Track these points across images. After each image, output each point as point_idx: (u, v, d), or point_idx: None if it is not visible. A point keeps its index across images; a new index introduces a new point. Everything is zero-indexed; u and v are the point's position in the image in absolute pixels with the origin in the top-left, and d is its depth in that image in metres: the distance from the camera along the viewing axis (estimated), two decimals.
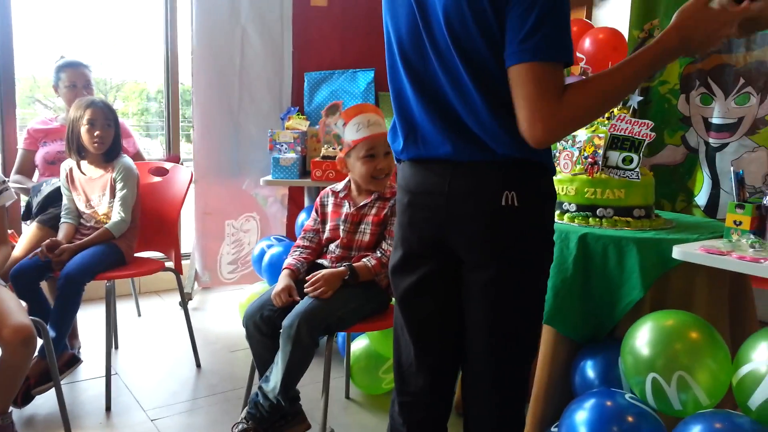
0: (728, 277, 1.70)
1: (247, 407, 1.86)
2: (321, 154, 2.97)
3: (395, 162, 1.29)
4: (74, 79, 2.78)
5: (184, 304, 2.68)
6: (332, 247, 2.00)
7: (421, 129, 1.17)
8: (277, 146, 3.08)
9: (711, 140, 2.80)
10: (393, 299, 1.31)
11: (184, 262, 3.69)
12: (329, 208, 2.04)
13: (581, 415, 1.49)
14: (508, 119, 1.06)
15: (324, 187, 2.16)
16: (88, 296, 2.35)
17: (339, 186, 2.07)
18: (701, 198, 2.82)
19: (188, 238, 3.74)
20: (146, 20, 3.95)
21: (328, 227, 2.02)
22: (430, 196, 1.17)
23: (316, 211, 2.08)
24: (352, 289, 1.83)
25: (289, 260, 1.99)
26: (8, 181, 2.11)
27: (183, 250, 3.86)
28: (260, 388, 1.83)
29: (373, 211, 1.96)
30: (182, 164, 3.17)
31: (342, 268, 1.87)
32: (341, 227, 1.98)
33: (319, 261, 2.02)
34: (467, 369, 1.25)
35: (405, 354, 1.29)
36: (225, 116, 3.47)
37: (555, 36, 1.01)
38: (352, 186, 2.03)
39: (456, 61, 1.09)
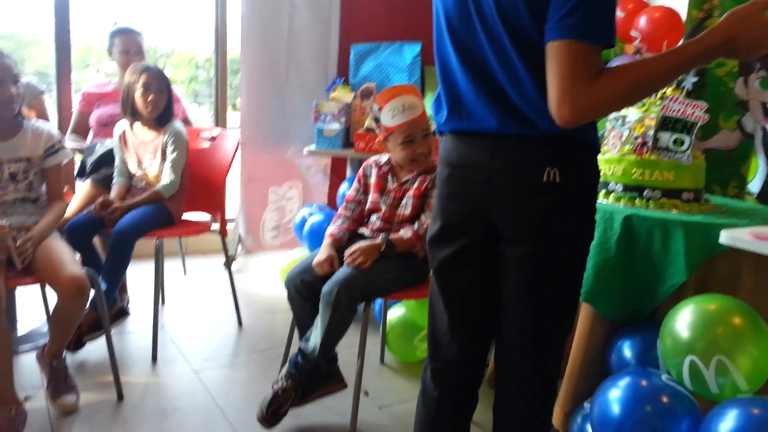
0: None
1: (287, 366, 1.92)
2: (365, 126, 2.99)
3: (437, 134, 1.29)
4: (127, 45, 2.86)
5: (228, 265, 2.76)
6: (374, 218, 2.03)
7: (466, 102, 1.17)
8: (322, 117, 3.11)
9: None
10: (430, 270, 1.31)
11: (228, 226, 3.81)
12: (372, 179, 2.06)
13: (615, 392, 1.50)
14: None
15: (366, 159, 2.17)
16: (138, 253, 2.45)
17: (383, 159, 2.08)
18: (755, 185, 2.74)
19: (234, 204, 3.83)
20: None
21: (370, 198, 2.05)
22: (471, 169, 1.17)
23: (359, 182, 2.10)
24: (390, 260, 1.87)
25: (331, 228, 2.03)
26: (64, 140, 2.20)
27: (228, 215, 3.99)
28: (300, 349, 1.89)
29: (415, 185, 1.97)
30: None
31: (379, 240, 1.90)
32: (383, 201, 2.01)
33: (360, 230, 2.05)
34: (501, 342, 1.27)
35: (439, 323, 1.31)
36: (271, 85, 3.52)
37: (595, 16, 0.99)
38: (395, 162, 2.04)
39: (503, 35, 1.08)
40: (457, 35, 1.16)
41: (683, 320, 1.47)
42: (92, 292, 1.98)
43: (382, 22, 3.49)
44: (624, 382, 1.50)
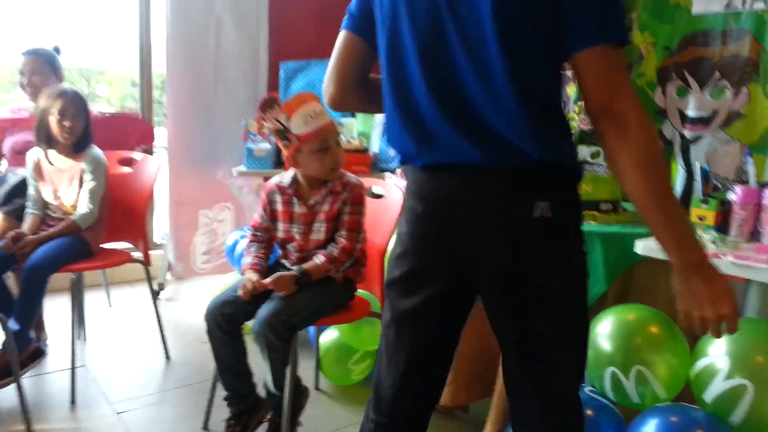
0: None
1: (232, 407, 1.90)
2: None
3: (402, 165, 1.14)
4: (34, 67, 2.71)
5: (152, 295, 2.64)
6: (290, 248, 1.94)
7: (436, 132, 1.03)
8: (251, 137, 3.04)
9: (686, 132, 2.81)
10: (385, 315, 1.16)
11: (157, 252, 3.67)
12: (278, 206, 1.92)
13: None
14: (543, 119, 0.97)
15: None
16: (58, 287, 2.32)
17: (285, 180, 1.93)
18: (675, 190, 2.83)
19: (162, 229, 3.69)
20: (121, 7, 3.86)
21: (281, 228, 1.93)
22: (450, 206, 1.03)
23: (264, 209, 1.96)
24: (310, 288, 1.80)
25: (248, 260, 1.92)
26: None
27: (157, 240, 3.84)
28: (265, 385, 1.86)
29: (325, 207, 1.87)
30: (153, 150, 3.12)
31: (293, 271, 1.83)
32: (294, 229, 1.90)
33: (283, 261, 1.98)
34: (513, 400, 1.12)
35: (386, 374, 1.15)
36: (199, 105, 3.43)
37: (619, 15, 0.95)
38: (301, 180, 1.91)
39: (492, 52, 0.96)
40: (426, 57, 1.02)
41: (603, 331, 1.48)
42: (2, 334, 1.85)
43: (311, 40, 3.47)
44: None
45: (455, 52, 0.99)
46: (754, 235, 1.51)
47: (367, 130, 3.24)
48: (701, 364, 1.33)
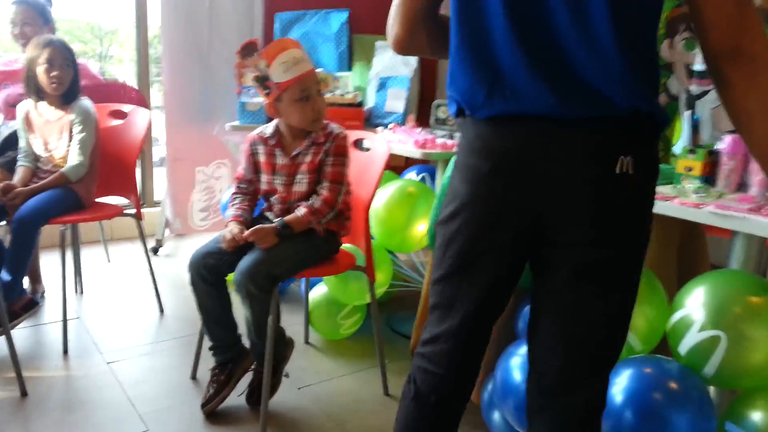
0: (678, 223, 1.66)
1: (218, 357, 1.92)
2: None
3: (458, 118, 1.05)
4: (14, 17, 2.66)
5: (146, 250, 2.65)
6: (273, 200, 1.91)
7: (511, 76, 0.93)
8: (245, 90, 3.00)
9: (692, 87, 2.72)
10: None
11: (155, 209, 3.68)
12: (261, 158, 1.89)
13: (516, 360, 1.48)
14: (641, 66, 0.89)
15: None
16: (57, 242, 2.31)
17: (268, 131, 1.89)
18: (678, 147, 2.76)
19: (161, 186, 3.69)
20: None
21: (264, 179, 1.90)
22: (524, 161, 0.94)
23: (247, 160, 1.93)
24: (292, 240, 1.78)
25: (231, 211, 1.90)
26: None
27: (156, 197, 3.85)
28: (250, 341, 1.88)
29: (308, 158, 1.83)
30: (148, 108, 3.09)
31: (274, 223, 1.80)
32: (277, 180, 1.87)
33: (267, 214, 1.96)
34: (535, 371, 1.07)
35: (441, 327, 1.08)
36: (195, 59, 3.37)
37: None
38: (283, 130, 1.87)
39: None
40: None
41: None
42: None
43: None
44: (523, 349, 1.48)
45: None
46: (742, 187, 1.46)
47: (362, 84, 3.17)
48: (677, 315, 1.30)
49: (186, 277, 1.85)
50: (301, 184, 1.85)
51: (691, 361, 1.28)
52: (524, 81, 0.92)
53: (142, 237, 2.60)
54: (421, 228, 2.27)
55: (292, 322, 2.53)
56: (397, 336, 2.53)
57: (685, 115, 1.67)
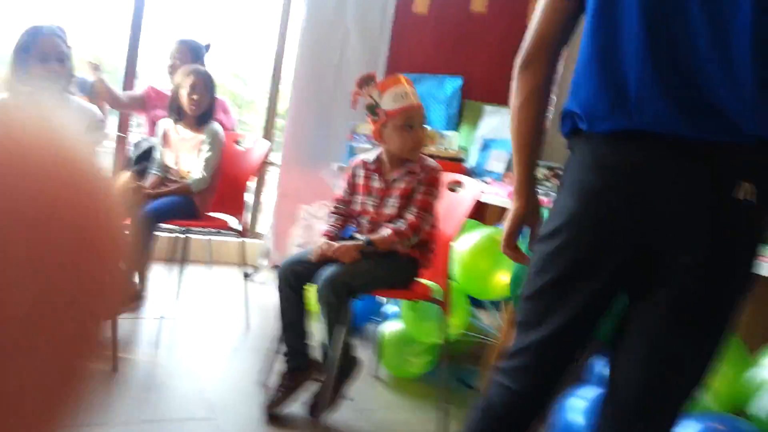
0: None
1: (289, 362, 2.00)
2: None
3: (572, 138, 1.05)
4: (172, 52, 3.05)
5: (243, 270, 2.83)
6: (363, 221, 2.03)
7: (639, 92, 0.92)
8: (356, 137, 3.22)
9: None
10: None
11: (257, 241, 3.95)
12: (360, 180, 2.03)
13: (576, 402, 1.44)
14: None
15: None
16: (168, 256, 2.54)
17: (371, 157, 2.04)
18: None
19: (267, 220, 3.96)
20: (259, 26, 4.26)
21: (358, 200, 2.03)
22: (640, 180, 0.92)
23: (347, 182, 2.08)
24: (375, 258, 1.87)
25: (324, 228, 2.06)
26: (106, 124, 2.38)
27: (259, 229, 4.13)
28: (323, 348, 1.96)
29: (402, 184, 1.94)
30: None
31: (360, 239, 1.91)
32: (370, 202, 1.99)
33: (356, 235, 2.07)
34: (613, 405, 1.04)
35: (527, 343, 1.07)
36: (318, 107, 3.68)
37: None
38: (384, 157, 2.00)
39: (739, 16, 0.86)
40: (649, 5, 0.92)
41: None
42: None
43: (428, 55, 3.62)
44: (586, 392, 1.44)
45: (690, 14, 0.89)
46: None
47: (467, 145, 3.30)
48: (755, 374, 1.23)
49: (275, 302, 1.98)
50: (391, 208, 1.96)
51: (766, 423, 1.19)
52: (651, 97, 0.91)
53: (243, 253, 2.80)
54: (504, 278, 2.28)
55: (363, 356, 2.57)
56: (464, 387, 2.50)
57: None
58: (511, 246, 1.16)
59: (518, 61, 1.12)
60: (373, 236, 1.91)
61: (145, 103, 3.17)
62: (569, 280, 1.00)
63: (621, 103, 0.94)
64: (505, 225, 1.16)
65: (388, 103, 1.90)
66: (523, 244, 1.18)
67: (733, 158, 0.89)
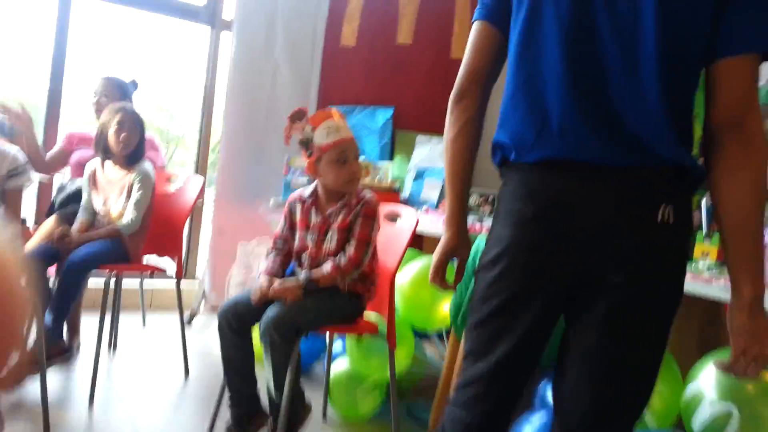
0: (698, 304, 1.66)
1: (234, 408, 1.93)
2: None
3: (502, 167, 1.10)
4: (96, 88, 2.93)
5: (180, 312, 2.74)
6: (303, 257, 2.00)
7: (562, 123, 0.98)
8: (292, 171, 3.21)
9: None
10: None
11: (194, 282, 3.83)
12: (297, 216, 2.02)
13: (529, 428, 1.47)
14: (681, 122, 0.96)
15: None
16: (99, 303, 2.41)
17: (306, 192, 2.03)
18: None
19: (202, 260, 3.86)
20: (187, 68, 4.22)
21: (297, 236, 2.01)
22: (568, 207, 0.97)
23: (285, 219, 2.05)
24: (317, 294, 1.86)
25: (264, 266, 2.01)
26: (29, 166, 2.27)
27: (198, 274, 4.02)
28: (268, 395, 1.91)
29: (339, 218, 1.94)
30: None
31: (301, 277, 1.89)
32: (309, 237, 1.98)
33: (297, 271, 2.04)
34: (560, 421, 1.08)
35: (474, 372, 1.09)
36: (251, 142, 3.65)
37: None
38: (320, 192, 1.99)
39: (646, 48, 0.94)
40: (566, 40, 0.98)
41: None
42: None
43: (359, 87, 3.67)
44: (537, 417, 1.47)
45: (604, 43, 0.96)
46: None
47: (401, 175, 3.35)
48: (690, 390, 1.30)
49: (216, 350, 1.93)
50: (330, 242, 1.94)
51: None
52: (573, 127, 0.97)
53: (179, 297, 2.71)
54: (445, 307, 2.31)
55: (312, 399, 2.53)
56: (416, 423, 2.49)
57: (702, 203, 1.72)
58: (440, 276, 1.19)
59: (452, 93, 1.15)
60: (315, 273, 1.89)
61: (66, 156, 3.03)
62: (511, 308, 1.03)
63: (546, 132, 0.99)
64: (435, 256, 1.18)
65: (320, 137, 1.90)
66: (451, 274, 1.21)
67: (653, 183, 0.95)
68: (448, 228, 1.17)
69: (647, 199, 0.95)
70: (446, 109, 1.17)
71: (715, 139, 0.97)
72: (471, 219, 2.60)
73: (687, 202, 1.00)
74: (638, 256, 0.95)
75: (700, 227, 1.65)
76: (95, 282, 2.66)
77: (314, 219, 1.98)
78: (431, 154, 3.20)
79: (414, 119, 3.49)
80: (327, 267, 1.89)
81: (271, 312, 1.80)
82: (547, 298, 1.01)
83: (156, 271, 2.66)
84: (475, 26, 1.14)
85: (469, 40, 1.15)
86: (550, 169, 0.99)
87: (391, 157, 3.51)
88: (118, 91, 3.01)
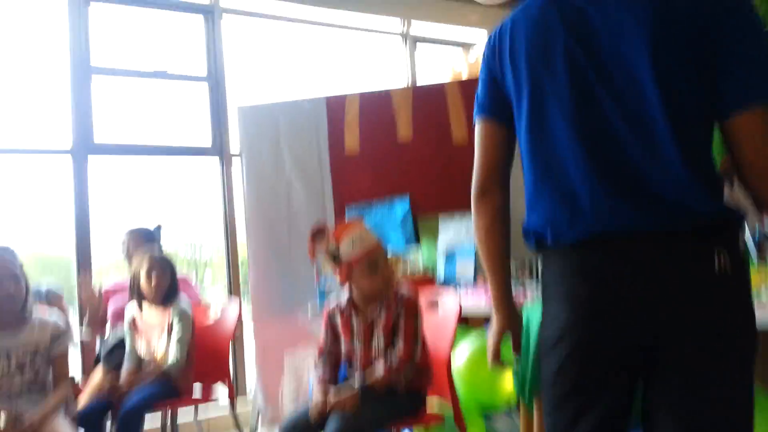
0: None
1: None
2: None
3: (539, 251, 1.10)
4: (125, 242, 3.07)
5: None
6: (355, 363, 1.99)
7: (592, 204, 0.99)
8: (322, 279, 3.23)
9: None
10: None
11: (247, 400, 3.77)
12: (339, 326, 2.02)
13: None
14: (706, 175, 0.96)
15: None
16: None
17: (343, 300, 2.03)
18: None
19: (251, 378, 3.81)
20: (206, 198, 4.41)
21: (344, 345, 2.00)
22: (620, 281, 0.96)
23: (326, 329, 2.05)
24: (375, 399, 1.83)
25: (315, 379, 2.00)
26: (70, 329, 2.33)
27: (247, 389, 3.97)
28: None
29: (382, 320, 1.93)
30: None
31: (355, 389, 1.86)
32: (356, 344, 1.97)
33: (350, 381, 2.01)
34: None
35: None
36: (277, 258, 3.69)
37: None
38: (356, 297, 2.00)
39: (652, 110, 0.95)
40: (573, 120, 1.00)
41: None
42: None
43: (370, 184, 3.75)
44: None
45: (611, 117, 0.98)
46: None
47: (431, 259, 3.35)
48: None
49: None
50: (378, 345, 1.94)
51: None
52: (605, 205, 0.97)
53: (235, 420, 2.65)
54: (509, 380, 2.23)
55: None
56: None
57: (746, 236, 1.70)
58: (498, 359, 1.21)
59: (473, 190, 1.18)
60: (369, 377, 1.87)
61: (104, 313, 3.11)
62: (586, 384, 1.02)
63: (579, 215, 1.00)
64: (489, 340, 1.20)
65: (347, 251, 1.91)
66: (507, 351, 1.22)
67: (696, 240, 0.94)
68: (497, 312, 1.20)
69: (699, 255, 0.94)
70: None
71: (756, 192, 0.97)
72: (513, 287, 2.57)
73: (737, 248, 0.98)
74: (703, 308, 0.94)
75: (750, 259, 1.62)
76: (151, 421, 2.62)
77: (357, 326, 1.98)
78: (457, 233, 3.21)
79: (432, 202, 3.52)
80: (380, 370, 1.87)
81: (331, 427, 1.76)
82: (619, 371, 1.00)
83: (210, 400, 2.64)
84: (479, 125, 1.18)
85: (477, 139, 1.18)
86: (591, 246, 0.99)
87: (417, 244, 3.52)
88: (145, 238, 3.12)
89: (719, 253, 0.93)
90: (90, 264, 3.65)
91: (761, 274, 1.56)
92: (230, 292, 4.06)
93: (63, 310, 2.92)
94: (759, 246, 1.67)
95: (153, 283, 2.66)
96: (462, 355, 2.30)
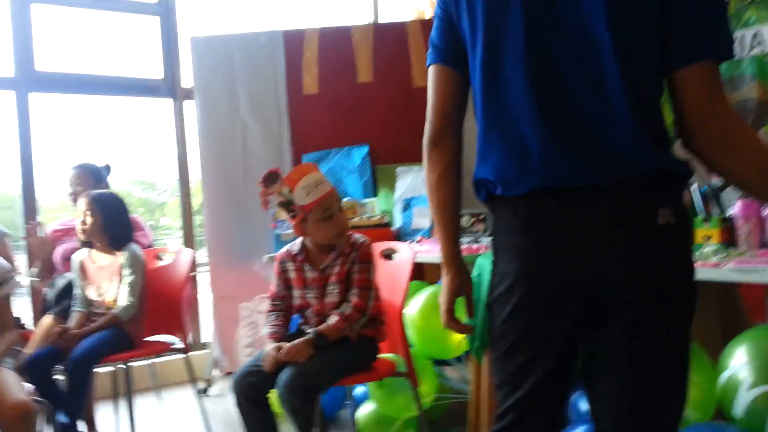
0: (712, 290, 1.66)
1: None
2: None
3: (489, 202, 1.10)
4: (71, 179, 2.92)
5: (194, 385, 2.68)
6: (308, 313, 1.98)
7: (541, 156, 0.99)
8: (279, 224, 3.19)
9: (714, 181, 2.78)
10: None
11: (203, 352, 3.77)
12: (291, 274, 2.00)
13: None
14: (656, 130, 0.97)
15: None
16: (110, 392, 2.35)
17: (295, 247, 2.00)
18: None
19: (207, 327, 3.80)
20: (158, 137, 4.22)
21: (296, 294, 1.99)
22: (565, 234, 0.98)
23: (278, 277, 2.03)
24: (329, 349, 1.83)
25: (268, 330, 1.98)
26: (13, 271, 2.23)
27: (203, 339, 3.95)
28: None
29: (336, 269, 1.93)
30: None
31: (309, 335, 1.86)
32: (309, 294, 1.96)
33: (303, 328, 2.02)
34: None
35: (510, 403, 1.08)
36: (233, 203, 3.63)
37: (729, 32, 0.95)
38: (310, 246, 1.98)
39: (607, 65, 0.95)
40: (532, 68, 0.99)
41: None
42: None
43: (329, 132, 3.68)
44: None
45: (565, 69, 0.98)
46: (765, 245, 1.49)
47: (388, 208, 3.35)
48: (724, 377, 1.28)
49: (237, 414, 1.87)
50: (332, 295, 1.93)
51: (750, 421, 1.23)
52: (554, 158, 0.98)
53: (191, 373, 2.65)
54: None
55: None
56: None
57: (693, 189, 1.73)
58: (452, 319, 1.18)
59: (425, 139, 1.15)
60: (321, 327, 1.86)
61: (52, 256, 2.99)
62: (534, 338, 1.04)
63: (528, 165, 1.00)
64: (442, 301, 1.18)
65: (301, 197, 1.87)
66: (460, 310, 1.20)
67: (642, 192, 0.96)
68: (448, 271, 1.17)
69: (643, 207, 0.96)
70: (420, 138, 1.16)
71: (696, 147, 0.98)
72: (467, 240, 2.60)
73: (681, 202, 1.00)
74: (647, 261, 0.96)
75: (695, 213, 1.66)
76: (105, 369, 2.58)
77: (310, 275, 1.96)
78: (414, 183, 3.20)
79: (390, 152, 3.49)
80: (333, 319, 1.87)
81: (285, 376, 1.76)
82: (567, 323, 1.02)
83: (164, 351, 2.60)
84: (433, 70, 1.14)
85: (430, 84, 1.15)
86: (540, 198, 1.00)
87: (375, 193, 3.50)
88: (92, 177, 2.98)
89: (663, 206, 0.95)
90: (35, 203, 3.50)
91: (705, 230, 1.60)
92: (185, 238, 3.98)
93: (7, 251, 2.81)
94: (705, 200, 1.71)
95: (83, 226, 2.56)
96: (414, 307, 2.33)
